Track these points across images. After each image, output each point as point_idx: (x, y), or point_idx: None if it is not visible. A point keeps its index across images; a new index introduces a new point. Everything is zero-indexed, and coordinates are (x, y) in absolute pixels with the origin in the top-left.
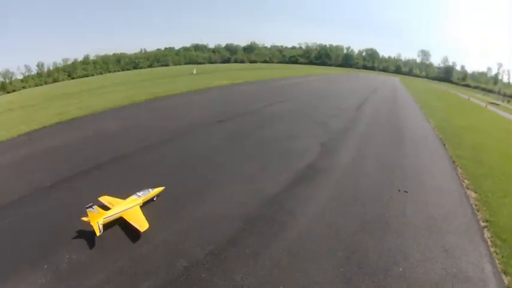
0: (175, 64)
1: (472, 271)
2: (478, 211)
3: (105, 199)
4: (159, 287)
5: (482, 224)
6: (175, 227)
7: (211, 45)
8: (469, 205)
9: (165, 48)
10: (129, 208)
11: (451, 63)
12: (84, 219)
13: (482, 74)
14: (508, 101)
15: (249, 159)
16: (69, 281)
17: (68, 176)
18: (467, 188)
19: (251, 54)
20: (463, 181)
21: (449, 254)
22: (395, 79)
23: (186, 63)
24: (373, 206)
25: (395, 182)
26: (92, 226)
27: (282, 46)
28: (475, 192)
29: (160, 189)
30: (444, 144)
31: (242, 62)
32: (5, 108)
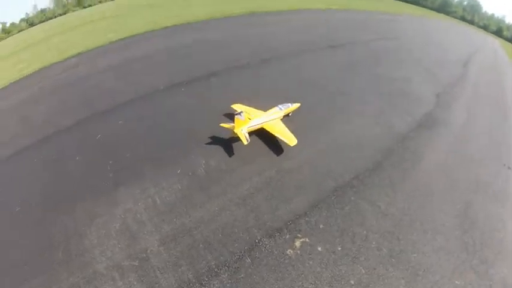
0: None
1: None
2: None
3: (238, 106)
4: (311, 204)
5: None
6: (317, 147)
7: None
8: None
9: None
10: (271, 120)
11: None
12: (224, 125)
13: None
14: None
15: (372, 93)
16: (212, 188)
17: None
18: None
19: None
20: None
21: None
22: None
23: None
24: (482, 178)
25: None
26: (234, 134)
27: None
28: None
29: (297, 105)
30: None
31: None
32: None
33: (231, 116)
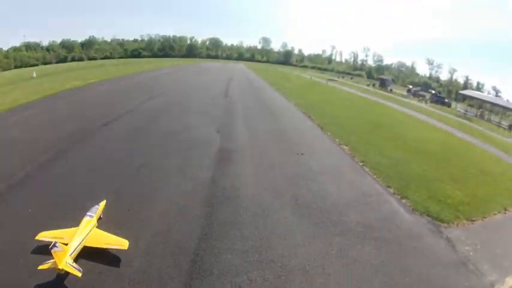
0: (4, 69)
1: (370, 190)
2: (354, 157)
3: (45, 235)
4: None
5: (361, 163)
6: (147, 236)
7: (45, 43)
8: (348, 154)
9: None
10: (89, 233)
11: (290, 48)
12: (44, 266)
13: (318, 56)
14: (343, 77)
15: (165, 155)
16: None
17: None
18: (340, 144)
19: (90, 50)
20: (335, 140)
21: (352, 185)
22: (241, 66)
23: (16, 67)
24: (287, 166)
25: (292, 148)
26: (61, 270)
27: (123, 39)
28: (347, 145)
29: (103, 203)
30: (310, 116)
31: (81, 59)
32: None
33: (43, 250)
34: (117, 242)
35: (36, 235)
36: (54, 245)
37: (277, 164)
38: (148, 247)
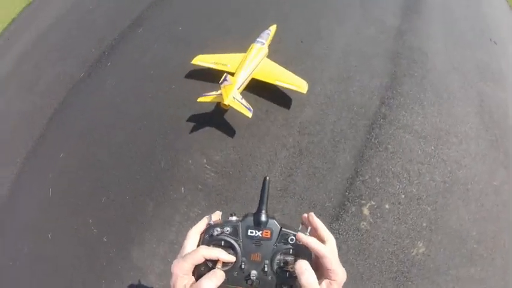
0: None
1: None
2: None
3: (203, 59)
4: (356, 157)
5: None
6: (325, 76)
7: None
8: None
9: None
10: (259, 63)
11: None
12: (204, 99)
13: None
14: None
15: None
16: (239, 191)
17: None
18: None
19: None
20: None
21: None
22: None
23: None
24: (478, 52)
25: (485, 32)
26: (225, 106)
27: None
28: None
29: (274, 27)
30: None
31: None
32: None
33: (197, 76)
34: (293, 81)
35: (191, 58)
36: (225, 79)
37: (468, 44)
38: (324, 93)
